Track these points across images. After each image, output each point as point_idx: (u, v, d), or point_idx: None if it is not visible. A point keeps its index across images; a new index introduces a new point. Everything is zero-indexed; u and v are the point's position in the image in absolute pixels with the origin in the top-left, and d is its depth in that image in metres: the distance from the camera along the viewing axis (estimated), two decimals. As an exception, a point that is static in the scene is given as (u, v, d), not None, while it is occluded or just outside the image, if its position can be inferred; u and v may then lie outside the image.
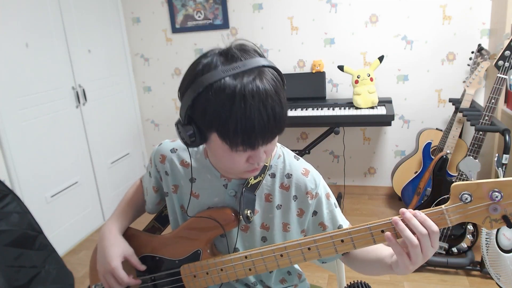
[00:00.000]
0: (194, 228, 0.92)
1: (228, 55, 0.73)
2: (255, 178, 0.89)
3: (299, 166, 0.92)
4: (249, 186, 0.89)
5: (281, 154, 0.93)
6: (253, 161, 0.77)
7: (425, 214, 0.71)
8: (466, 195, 0.69)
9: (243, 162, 0.77)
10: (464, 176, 1.92)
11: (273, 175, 0.91)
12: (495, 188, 0.67)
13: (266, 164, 0.90)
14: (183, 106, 0.73)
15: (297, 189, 0.91)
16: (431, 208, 0.71)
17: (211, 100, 0.69)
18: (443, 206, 0.71)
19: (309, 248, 0.79)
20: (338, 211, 0.96)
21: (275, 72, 0.75)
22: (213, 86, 0.69)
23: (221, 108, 0.68)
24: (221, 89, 0.68)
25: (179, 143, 0.97)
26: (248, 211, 0.87)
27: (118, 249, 0.94)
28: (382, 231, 0.73)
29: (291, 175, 0.91)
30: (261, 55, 0.76)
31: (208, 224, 0.89)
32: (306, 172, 0.91)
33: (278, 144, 0.95)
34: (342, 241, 0.75)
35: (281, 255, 0.80)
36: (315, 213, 0.93)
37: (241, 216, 0.87)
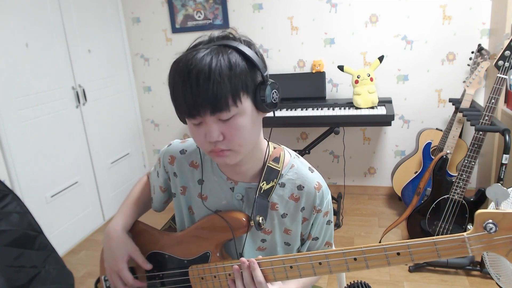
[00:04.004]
0: (206, 229, 0.91)
1: (209, 38, 0.78)
2: (268, 183, 0.87)
3: (313, 179, 0.90)
4: (262, 191, 0.87)
5: (294, 165, 0.91)
6: (207, 139, 0.75)
7: (445, 240, 0.68)
8: (490, 225, 0.65)
9: (203, 139, 0.77)
10: (464, 176, 1.92)
11: (282, 185, 0.90)
12: None
13: (278, 169, 0.89)
14: None
15: (307, 201, 0.90)
16: (452, 235, 0.68)
17: (168, 73, 0.77)
18: (465, 234, 0.67)
19: (320, 263, 0.76)
20: (329, 228, 0.97)
21: (242, 57, 0.73)
22: (173, 63, 0.76)
23: (168, 76, 0.76)
24: (174, 63, 0.75)
25: (188, 144, 0.97)
26: (260, 218, 0.86)
27: (122, 249, 0.94)
28: (398, 254, 0.70)
29: (303, 187, 0.89)
30: (243, 42, 0.77)
31: (220, 227, 0.88)
32: (318, 187, 0.90)
33: (292, 153, 0.94)
34: (355, 259, 0.72)
35: (291, 267, 0.78)
36: (304, 220, 0.94)
37: (252, 222, 0.86)
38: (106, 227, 0.99)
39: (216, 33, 0.79)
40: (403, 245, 0.70)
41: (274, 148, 0.92)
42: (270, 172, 0.88)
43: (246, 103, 0.75)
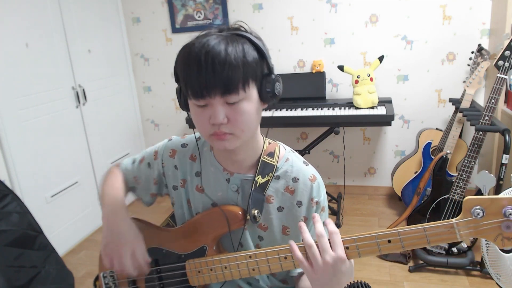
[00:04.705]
0: (202, 224, 0.92)
1: (220, 29, 0.81)
2: (263, 177, 0.89)
3: (308, 172, 0.92)
4: (258, 185, 0.89)
5: (289, 158, 0.93)
6: (211, 121, 0.77)
7: (434, 226, 0.69)
8: (478, 210, 0.67)
9: (206, 122, 0.78)
10: (464, 176, 1.92)
11: (277, 177, 0.91)
12: (510, 205, 0.65)
13: (273, 163, 0.91)
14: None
15: (302, 194, 0.91)
16: (441, 221, 0.69)
17: (178, 55, 0.78)
18: (453, 219, 0.69)
19: None
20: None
21: (253, 47, 0.78)
22: (185, 46, 0.78)
23: (179, 59, 0.77)
24: (185, 46, 0.77)
25: (189, 139, 0.99)
26: (256, 211, 0.88)
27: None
28: (389, 241, 0.72)
29: (298, 179, 0.91)
30: (253, 34, 0.80)
31: (216, 220, 0.90)
32: (313, 179, 0.92)
33: (287, 148, 0.96)
34: (347, 248, 0.74)
35: (285, 258, 0.80)
36: (306, 219, 0.94)
37: (248, 216, 0.87)
38: (111, 216, 0.92)
39: (226, 25, 0.83)
40: (393, 233, 0.72)
41: (269, 143, 0.94)
42: (264, 166, 0.90)
43: (253, 91, 0.79)
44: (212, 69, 0.72)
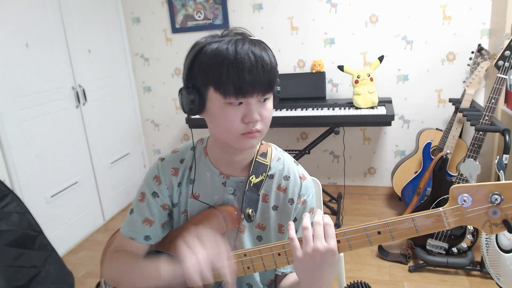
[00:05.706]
0: (199, 225, 0.92)
1: (228, 32, 0.83)
2: (257, 177, 0.91)
3: (298, 170, 0.96)
4: (252, 185, 0.90)
5: (280, 157, 0.96)
6: (247, 120, 0.79)
7: (422, 215, 0.70)
8: (464, 198, 0.67)
9: (239, 121, 0.79)
10: (464, 176, 1.92)
11: (271, 176, 0.93)
12: (495, 191, 0.66)
13: (267, 163, 0.92)
14: (184, 70, 0.82)
15: (293, 192, 0.93)
16: (429, 211, 0.70)
17: (208, 54, 0.77)
18: (440, 208, 0.70)
19: None
20: None
21: (272, 54, 0.82)
22: (210, 44, 0.78)
23: (215, 58, 0.76)
24: (217, 46, 0.77)
25: (183, 151, 0.96)
26: (250, 210, 0.89)
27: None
28: (379, 233, 0.73)
29: (289, 177, 0.94)
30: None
31: (213, 221, 0.90)
32: (303, 177, 0.95)
33: (278, 148, 0.99)
34: (338, 241, 0.75)
35: (279, 254, 0.81)
36: (295, 220, 0.95)
37: (242, 215, 0.88)
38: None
39: (232, 30, 0.84)
40: (383, 224, 0.73)
41: (262, 144, 0.96)
42: (258, 166, 0.92)
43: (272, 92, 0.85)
44: (262, 70, 0.77)
